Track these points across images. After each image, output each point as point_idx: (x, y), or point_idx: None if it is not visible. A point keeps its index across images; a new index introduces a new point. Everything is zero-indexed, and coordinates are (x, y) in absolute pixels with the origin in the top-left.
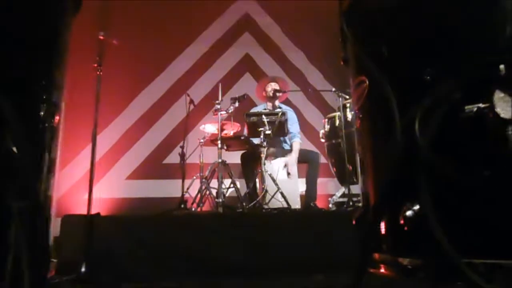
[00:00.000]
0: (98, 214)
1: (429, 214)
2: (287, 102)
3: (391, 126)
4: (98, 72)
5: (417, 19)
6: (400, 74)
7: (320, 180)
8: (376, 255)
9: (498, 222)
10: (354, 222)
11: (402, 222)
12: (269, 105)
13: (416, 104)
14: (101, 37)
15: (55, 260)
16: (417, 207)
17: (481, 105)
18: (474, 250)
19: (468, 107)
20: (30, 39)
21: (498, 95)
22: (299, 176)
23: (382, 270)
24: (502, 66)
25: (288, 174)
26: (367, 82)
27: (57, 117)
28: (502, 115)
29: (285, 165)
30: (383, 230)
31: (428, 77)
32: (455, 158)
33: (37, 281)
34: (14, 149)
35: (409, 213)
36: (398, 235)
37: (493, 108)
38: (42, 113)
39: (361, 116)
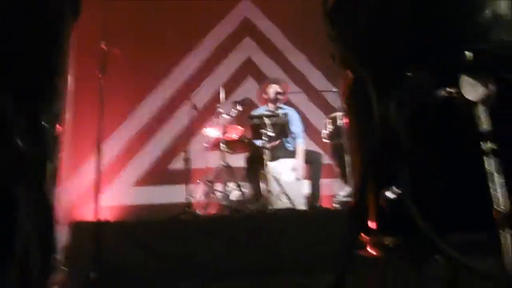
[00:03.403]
0: (106, 221)
1: (406, 195)
2: (288, 103)
3: (372, 114)
4: (101, 81)
5: (392, 17)
6: (379, 66)
7: (324, 181)
8: (364, 237)
9: (469, 198)
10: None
11: (383, 204)
12: (271, 106)
13: (392, 92)
14: (103, 46)
15: (66, 269)
16: (396, 189)
17: (450, 89)
18: (449, 226)
19: (438, 91)
20: (29, 46)
21: (465, 79)
22: (303, 178)
23: (370, 251)
24: (468, 53)
25: (298, 179)
26: (351, 75)
27: (59, 127)
28: (468, 97)
29: (294, 169)
30: (368, 213)
31: (408, 72)
32: (428, 140)
33: (45, 268)
34: (20, 143)
35: (389, 195)
36: (381, 216)
37: (460, 91)
38: (43, 122)
39: (347, 107)
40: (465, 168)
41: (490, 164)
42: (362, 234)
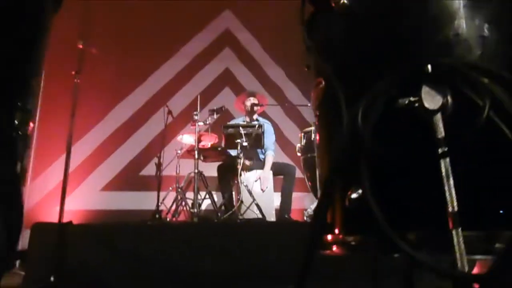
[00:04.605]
0: (70, 222)
1: (368, 196)
2: (264, 116)
3: (341, 120)
4: (76, 80)
5: (363, 32)
6: (350, 76)
7: (295, 195)
8: (329, 237)
9: (426, 198)
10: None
11: (347, 204)
12: (247, 117)
13: (360, 99)
14: (80, 46)
15: (22, 273)
16: (360, 190)
17: (411, 98)
18: (406, 224)
19: (401, 100)
20: (7, 39)
21: (425, 90)
22: (275, 190)
23: (334, 249)
24: (429, 66)
25: (262, 190)
26: (324, 83)
27: (31, 125)
28: (427, 106)
29: (258, 179)
30: (333, 213)
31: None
32: (391, 145)
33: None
34: None
35: (353, 196)
36: (345, 216)
37: (420, 100)
38: (16, 121)
39: (318, 114)
40: (424, 170)
41: (444, 167)
42: (326, 235)
